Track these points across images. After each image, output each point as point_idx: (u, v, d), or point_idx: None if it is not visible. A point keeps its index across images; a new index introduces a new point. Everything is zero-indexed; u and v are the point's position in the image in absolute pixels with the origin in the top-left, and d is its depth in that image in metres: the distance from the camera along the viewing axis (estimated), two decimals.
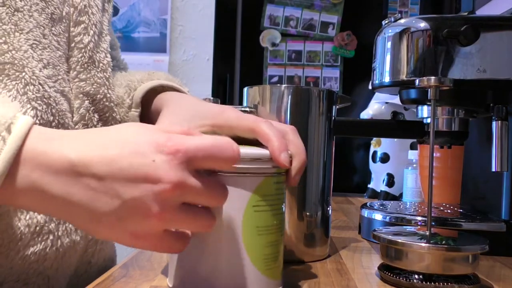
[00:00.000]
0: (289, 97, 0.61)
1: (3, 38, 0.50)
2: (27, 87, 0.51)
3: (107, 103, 0.62)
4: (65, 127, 0.55)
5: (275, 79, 1.98)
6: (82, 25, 0.59)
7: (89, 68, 0.60)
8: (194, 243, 0.43)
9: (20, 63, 0.51)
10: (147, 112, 0.65)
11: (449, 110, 0.70)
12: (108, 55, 0.64)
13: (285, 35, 1.98)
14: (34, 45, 0.53)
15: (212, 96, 2.00)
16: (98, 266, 0.62)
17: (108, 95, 0.62)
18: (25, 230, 0.50)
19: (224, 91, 1.98)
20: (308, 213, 0.61)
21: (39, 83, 0.52)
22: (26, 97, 0.51)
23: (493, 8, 1.05)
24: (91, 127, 0.60)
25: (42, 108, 0.52)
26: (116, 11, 2.05)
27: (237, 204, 0.43)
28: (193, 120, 0.53)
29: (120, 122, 0.64)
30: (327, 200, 0.63)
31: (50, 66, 0.55)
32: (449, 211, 0.81)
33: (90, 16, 0.60)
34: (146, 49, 2.06)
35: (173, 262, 0.45)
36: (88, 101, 0.59)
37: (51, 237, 0.52)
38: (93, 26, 0.61)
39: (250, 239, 0.43)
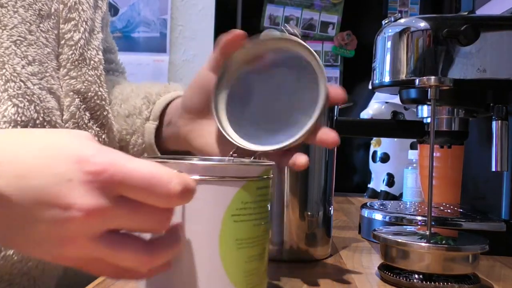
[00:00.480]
0: None
1: None
2: (8, 84, 0.50)
3: (98, 101, 0.60)
4: (51, 124, 0.54)
5: None
6: (72, 22, 0.58)
7: (80, 65, 0.59)
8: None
9: (0, 59, 0.50)
10: (161, 124, 0.64)
11: (449, 110, 0.70)
12: (100, 53, 0.62)
13: None
14: (18, 42, 0.52)
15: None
16: None
17: (100, 93, 0.61)
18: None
19: None
20: (309, 213, 0.61)
21: (21, 80, 0.51)
22: (7, 94, 0.50)
23: (493, 8, 1.05)
24: (82, 125, 0.59)
25: (24, 105, 0.50)
26: (116, 11, 2.05)
27: (213, 213, 0.37)
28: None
29: (109, 119, 0.63)
30: (329, 200, 0.63)
31: (36, 63, 0.53)
32: (449, 211, 0.81)
33: (80, 12, 0.59)
34: (146, 49, 2.06)
35: (141, 282, 0.40)
36: (78, 99, 0.58)
37: None
38: (84, 23, 0.59)
39: (228, 254, 0.37)
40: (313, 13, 1.98)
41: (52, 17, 0.57)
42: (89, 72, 0.60)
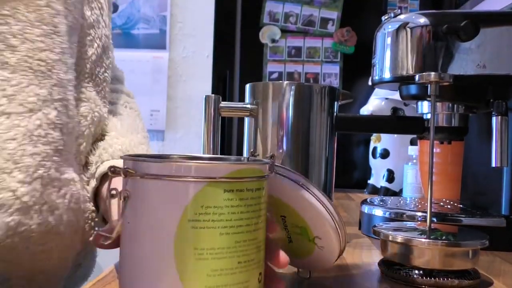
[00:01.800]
0: (291, 93, 0.61)
1: (41, 38, 0.52)
2: (53, 88, 0.52)
3: (95, 118, 0.63)
4: (76, 130, 0.57)
5: (275, 75, 1.98)
6: (89, 37, 0.62)
7: (89, 77, 0.62)
8: (128, 263, 0.36)
9: (50, 64, 0.53)
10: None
11: (449, 106, 0.70)
12: (108, 72, 0.66)
13: (284, 32, 1.98)
14: (65, 49, 0.55)
15: (212, 93, 2.00)
16: (84, 268, 0.63)
17: (98, 110, 0.63)
18: (36, 228, 0.51)
19: (224, 87, 1.98)
20: None
21: (62, 86, 0.54)
22: (51, 97, 0.52)
23: (493, 4, 1.05)
24: (87, 134, 0.61)
25: (62, 110, 0.53)
26: (115, 7, 2.04)
27: (166, 217, 0.33)
28: None
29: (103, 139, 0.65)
30: (329, 196, 0.63)
31: (71, 71, 0.57)
32: (449, 206, 0.82)
33: (96, 30, 0.62)
34: (146, 46, 2.06)
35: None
36: (86, 107, 0.61)
37: (58, 240, 0.53)
38: (98, 40, 0.63)
39: (186, 264, 0.33)
40: (312, 9, 1.98)
41: (77, 31, 0.60)
42: (94, 88, 0.63)
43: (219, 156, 0.46)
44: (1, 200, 0.48)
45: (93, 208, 0.62)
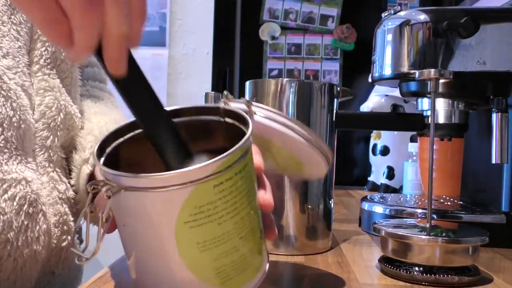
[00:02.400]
0: (291, 91, 0.61)
1: None
2: None
3: (68, 105, 0.57)
4: (26, 123, 0.50)
5: (275, 72, 1.97)
6: None
7: (51, 63, 0.55)
8: (135, 261, 0.37)
9: None
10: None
11: (449, 103, 0.70)
12: None
13: (284, 28, 1.98)
14: None
15: (212, 90, 1.99)
16: (62, 277, 0.57)
17: (64, 98, 0.56)
18: None
19: (224, 84, 1.98)
20: (310, 206, 0.61)
21: None
22: None
23: (493, 0, 1.04)
24: (53, 126, 0.55)
25: (0, 102, 0.47)
26: None
27: (164, 224, 0.34)
28: None
29: (76, 127, 0.59)
30: (329, 193, 0.63)
31: (10, 57, 0.50)
32: (449, 203, 0.82)
33: None
34: (146, 43, 2.06)
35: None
36: (49, 97, 0.55)
37: (8, 247, 0.47)
38: None
39: (192, 258, 0.35)
40: (312, 6, 1.97)
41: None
42: (60, 73, 0.57)
43: (199, 106, 0.43)
44: None
45: (66, 210, 0.56)
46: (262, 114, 0.43)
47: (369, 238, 0.73)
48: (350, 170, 1.84)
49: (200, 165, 0.33)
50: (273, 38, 1.98)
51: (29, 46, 0.54)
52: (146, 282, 0.37)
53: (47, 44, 0.55)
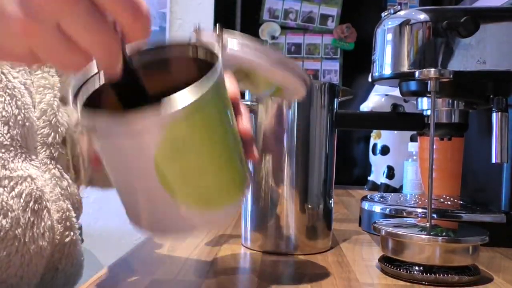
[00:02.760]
0: None
1: None
2: None
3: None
4: (30, 121, 0.51)
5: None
6: None
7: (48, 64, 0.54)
8: (119, 189, 0.38)
9: None
10: None
11: (449, 102, 0.70)
12: None
13: (284, 28, 1.98)
14: None
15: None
16: (65, 273, 0.58)
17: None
18: None
19: None
20: (310, 206, 0.61)
21: (2, 72, 0.48)
22: None
23: None
24: (54, 123, 0.56)
25: (5, 100, 0.48)
26: None
27: (142, 162, 0.34)
28: None
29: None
30: (329, 193, 0.63)
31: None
32: (449, 203, 0.82)
33: None
34: None
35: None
36: (50, 95, 0.55)
37: (16, 243, 0.48)
38: None
39: (174, 190, 0.35)
40: (312, 6, 1.97)
41: None
42: (58, 71, 0.57)
43: (168, 44, 0.41)
44: None
45: (69, 206, 0.57)
46: (234, 45, 0.42)
47: (369, 237, 0.73)
48: (350, 169, 1.84)
49: (170, 101, 0.32)
50: (273, 37, 1.98)
51: None
52: (141, 223, 0.38)
53: None
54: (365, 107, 1.38)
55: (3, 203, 0.47)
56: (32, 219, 0.50)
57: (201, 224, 0.38)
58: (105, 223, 1.95)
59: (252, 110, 0.62)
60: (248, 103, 0.62)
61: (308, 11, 1.98)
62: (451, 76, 0.56)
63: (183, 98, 0.32)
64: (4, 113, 0.48)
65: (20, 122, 0.50)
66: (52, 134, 0.56)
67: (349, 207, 1.05)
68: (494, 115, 0.67)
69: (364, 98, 1.45)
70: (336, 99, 0.64)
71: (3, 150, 0.48)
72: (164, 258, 0.57)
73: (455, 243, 0.50)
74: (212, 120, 0.35)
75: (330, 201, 0.63)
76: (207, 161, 0.36)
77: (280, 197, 0.60)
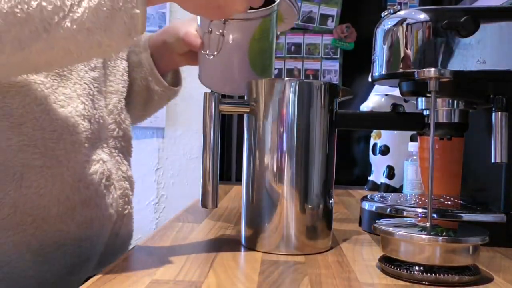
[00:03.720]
0: (291, 90, 0.61)
1: None
2: (75, 85, 0.62)
3: (124, 102, 0.75)
4: (103, 119, 0.66)
5: (275, 72, 1.97)
6: None
7: (113, 71, 0.73)
8: (220, 56, 0.68)
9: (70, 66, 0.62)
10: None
11: (449, 102, 0.70)
12: (124, 62, 0.77)
13: None
14: None
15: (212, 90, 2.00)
16: (122, 239, 0.73)
17: (124, 95, 0.75)
18: (78, 201, 0.61)
19: None
20: (310, 206, 0.61)
21: (85, 83, 0.63)
22: (76, 94, 0.62)
23: None
24: (118, 121, 0.71)
25: (89, 103, 0.63)
26: None
27: (245, 37, 0.68)
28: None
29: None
30: (330, 193, 0.63)
31: (97, 70, 0.66)
32: (449, 202, 0.82)
33: None
34: None
35: (203, 67, 0.75)
36: (116, 98, 0.71)
37: (96, 208, 0.63)
38: None
39: (253, 58, 0.69)
40: (312, 6, 1.97)
41: None
42: (119, 78, 0.74)
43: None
44: None
45: (127, 186, 0.73)
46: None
47: (369, 237, 0.73)
48: (350, 169, 1.84)
49: (266, 8, 0.66)
50: None
51: (103, 59, 0.70)
52: (213, 82, 0.74)
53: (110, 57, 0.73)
54: (365, 107, 1.38)
55: (85, 178, 0.63)
56: (104, 191, 0.65)
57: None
58: None
59: (252, 111, 0.63)
60: (248, 103, 0.63)
61: (308, 11, 1.98)
62: (451, 76, 0.56)
63: (271, 9, 0.68)
64: (88, 113, 0.62)
65: (96, 119, 0.64)
66: (117, 129, 0.71)
67: (349, 207, 1.05)
68: (494, 114, 0.67)
69: (364, 98, 1.45)
70: (336, 99, 0.64)
71: (85, 140, 0.62)
72: (164, 258, 0.57)
73: (456, 243, 0.50)
74: (274, 23, 0.70)
75: (330, 201, 0.63)
76: (270, 45, 0.72)
77: (280, 197, 0.60)
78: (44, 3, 0.44)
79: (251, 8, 0.65)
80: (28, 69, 0.51)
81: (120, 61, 0.75)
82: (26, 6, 0.43)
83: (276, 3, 0.69)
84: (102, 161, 0.65)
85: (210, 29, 0.67)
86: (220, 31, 0.66)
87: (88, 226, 0.63)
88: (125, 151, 0.75)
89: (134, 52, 0.83)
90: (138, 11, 0.47)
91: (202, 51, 0.71)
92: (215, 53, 0.67)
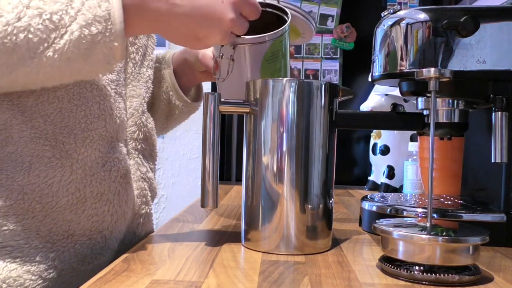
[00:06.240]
0: (291, 90, 0.61)
1: None
2: (92, 86, 0.64)
3: (146, 106, 0.78)
4: (121, 120, 0.68)
5: None
6: (135, 46, 0.75)
7: (137, 78, 0.75)
8: (233, 78, 0.69)
9: None
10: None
11: (449, 102, 0.70)
12: (149, 70, 0.80)
13: None
14: None
15: (212, 90, 2.00)
16: (140, 238, 0.73)
17: (146, 99, 0.78)
18: (89, 194, 0.63)
19: None
20: (310, 206, 0.61)
21: (102, 84, 0.65)
22: (92, 94, 0.63)
23: None
24: (139, 124, 0.74)
25: (105, 103, 0.65)
26: None
27: (256, 60, 0.68)
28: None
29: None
30: (330, 193, 0.63)
31: (115, 73, 0.68)
32: (449, 202, 0.82)
33: (140, 39, 0.77)
34: None
35: (219, 88, 0.75)
36: (137, 102, 0.74)
37: (108, 204, 0.65)
38: (141, 48, 0.77)
39: (263, 72, 0.69)
40: (312, 6, 1.97)
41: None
42: (142, 84, 0.76)
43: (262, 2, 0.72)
44: None
45: (145, 186, 0.75)
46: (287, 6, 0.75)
47: (369, 237, 0.73)
48: (350, 169, 1.84)
49: (275, 32, 0.68)
50: None
51: (124, 64, 0.73)
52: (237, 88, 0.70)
53: (133, 62, 0.75)
54: (365, 107, 1.38)
55: (98, 173, 0.64)
56: (118, 189, 0.66)
57: None
58: None
59: (252, 111, 0.63)
60: (248, 103, 0.63)
61: (307, 11, 1.97)
62: (451, 75, 0.56)
63: (281, 31, 0.68)
64: (102, 113, 0.64)
65: (113, 119, 0.66)
66: (137, 132, 0.73)
67: (349, 207, 1.05)
68: (494, 114, 0.67)
69: (364, 98, 1.45)
70: (336, 99, 0.64)
71: (98, 138, 0.64)
72: (164, 258, 0.57)
73: (456, 242, 0.50)
74: (286, 42, 0.70)
75: (330, 201, 0.63)
76: (284, 64, 0.72)
77: (280, 197, 0.60)
78: (30, 36, 0.51)
79: (260, 31, 0.69)
80: (16, 88, 0.58)
81: (145, 69, 0.78)
82: (14, 38, 0.50)
83: (285, 25, 0.69)
84: (118, 159, 0.67)
85: (221, 54, 0.69)
86: (230, 55, 0.67)
87: (100, 220, 0.64)
88: (146, 153, 0.77)
89: (158, 68, 0.89)
90: (116, 44, 0.54)
91: (214, 75, 0.73)
92: (225, 77, 0.69)
